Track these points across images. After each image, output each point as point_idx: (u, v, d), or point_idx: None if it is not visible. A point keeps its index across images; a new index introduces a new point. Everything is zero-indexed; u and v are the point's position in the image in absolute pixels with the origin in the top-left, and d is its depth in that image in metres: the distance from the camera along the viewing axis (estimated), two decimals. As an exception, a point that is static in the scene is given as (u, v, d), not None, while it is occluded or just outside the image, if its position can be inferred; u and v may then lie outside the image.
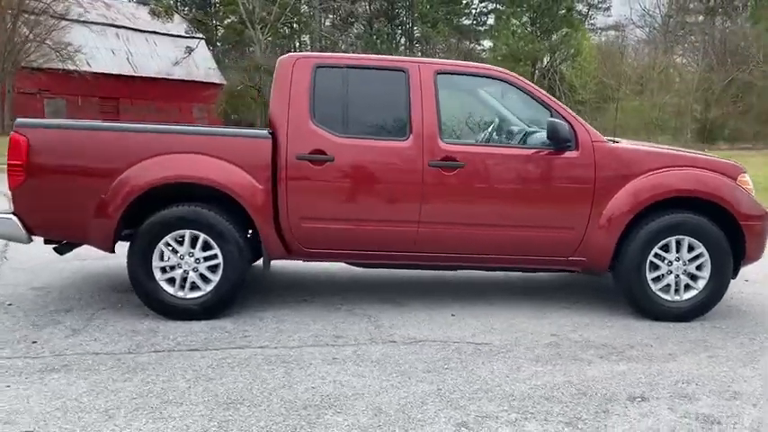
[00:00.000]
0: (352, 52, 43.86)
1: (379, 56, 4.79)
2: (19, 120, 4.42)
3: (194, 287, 4.43)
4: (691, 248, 4.60)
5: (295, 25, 44.20)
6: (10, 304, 4.72)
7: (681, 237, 4.58)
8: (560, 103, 4.61)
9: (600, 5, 51.60)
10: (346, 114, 4.50)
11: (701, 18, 51.80)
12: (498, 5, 47.57)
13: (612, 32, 53.13)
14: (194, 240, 4.38)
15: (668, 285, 4.64)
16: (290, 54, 4.71)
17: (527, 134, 4.72)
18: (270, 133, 4.45)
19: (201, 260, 4.40)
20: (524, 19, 39.23)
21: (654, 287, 4.62)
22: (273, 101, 4.52)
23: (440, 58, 42.06)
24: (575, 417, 3.14)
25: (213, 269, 4.43)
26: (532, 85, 4.66)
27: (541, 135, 4.60)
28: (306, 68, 4.51)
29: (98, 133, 4.46)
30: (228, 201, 4.40)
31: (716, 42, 41.04)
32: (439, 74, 4.57)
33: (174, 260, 4.40)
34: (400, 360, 3.81)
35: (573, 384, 3.52)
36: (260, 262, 4.78)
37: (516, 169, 4.53)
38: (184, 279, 4.41)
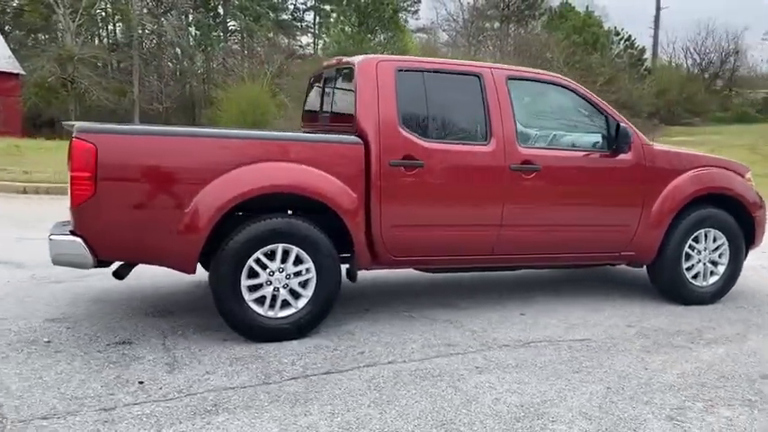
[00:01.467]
0: (180, 40, 41.83)
1: (453, 60, 4.76)
2: (81, 124, 3.77)
3: (284, 305, 4.11)
4: (714, 239, 5.18)
5: (108, 10, 40.88)
6: (48, 341, 4.01)
7: (708, 229, 5.13)
8: (612, 109, 4.93)
9: (409, 8, 54.02)
10: (429, 119, 4.43)
11: (496, 24, 56.55)
12: (317, 3, 47.91)
13: (422, 35, 56.04)
14: (285, 254, 4.06)
15: (698, 273, 5.17)
16: (367, 57, 4.50)
17: (581, 138, 4.98)
18: (360, 139, 4.24)
19: (292, 275, 4.09)
20: (353, 19, 39.90)
21: (688, 275, 5.13)
22: (361, 105, 4.29)
23: (263, 52, 41.41)
24: (746, 399, 3.45)
25: (303, 284, 4.13)
26: (588, 91, 4.93)
27: (590, 138, 4.89)
28: (389, 72, 4.35)
29: (176, 140, 3.95)
30: (317, 211, 4.14)
31: (510, 48, 45.00)
32: (510, 79, 4.66)
33: (263, 277, 4.04)
34: (537, 363, 3.88)
35: (706, 370, 3.84)
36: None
37: (583, 172, 4.78)
38: (274, 297, 4.07)
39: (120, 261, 4.09)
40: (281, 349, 3.98)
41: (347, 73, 4.60)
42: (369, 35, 41.06)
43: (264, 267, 4.03)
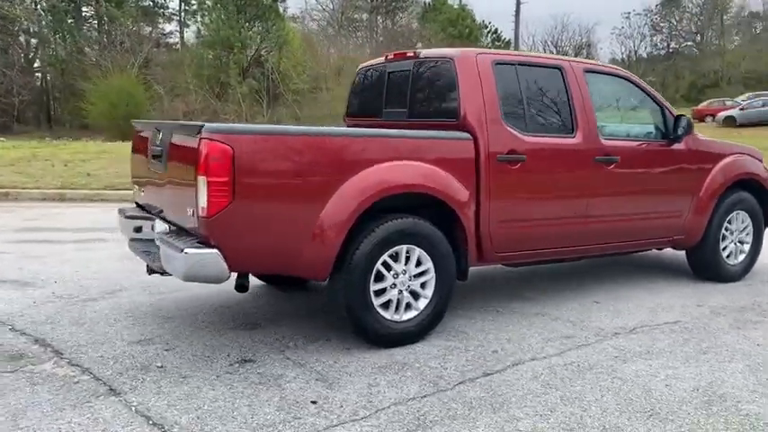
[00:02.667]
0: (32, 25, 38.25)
1: (535, 53, 4.76)
2: (211, 125, 3.40)
3: (407, 307, 3.97)
4: (742, 220, 5.61)
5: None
6: (161, 366, 3.61)
7: (738, 211, 5.55)
8: (665, 101, 5.18)
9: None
10: (525, 112, 4.44)
11: (365, 16, 57.20)
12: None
13: (293, 24, 55.40)
14: (407, 256, 3.92)
15: (731, 252, 5.59)
16: (462, 50, 4.41)
17: (644, 128, 5.19)
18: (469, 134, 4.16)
19: (414, 277, 3.96)
20: (230, 7, 38.61)
21: (723, 255, 5.53)
22: (466, 100, 4.19)
23: (129, 41, 39.04)
24: None
25: (423, 285, 4.02)
26: (645, 84, 5.14)
27: (651, 128, 5.13)
28: (487, 65, 4.30)
29: (311, 139, 3.67)
30: (430, 209, 4.02)
31: (379, 38, 45.68)
32: (586, 72, 4.77)
33: (389, 280, 3.88)
34: (661, 348, 4.01)
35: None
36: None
37: (650, 161, 5.01)
38: (398, 300, 3.93)
39: (250, 272, 3.75)
40: (415, 354, 3.85)
41: (436, 66, 4.49)
42: (246, 23, 40.01)
43: (389, 270, 3.87)
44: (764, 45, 56.70)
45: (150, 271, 4.08)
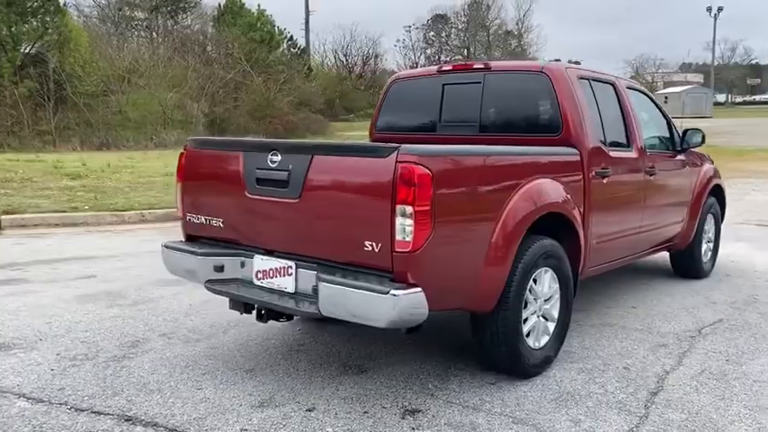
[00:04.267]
0: None
1: (591, 67, 4.78)
2: (408, 146, 2.93)
3: (543, 332, 3.81)
4: (713, 221, 6.24)
5: None
6: (310, 409, 3.04)
7: (710, 213, 6.16)
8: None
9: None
10: (604, 127, 4.46)
11: (140, 14, 53.97)
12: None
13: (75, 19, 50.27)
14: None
15: (704, 251, 6.17)
16: (551, 63, 4.31)
17: (662, 140, 5.49)
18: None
19: (545, 300, 3.81)
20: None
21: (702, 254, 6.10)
22: (569, 115, 4.10)
23: None
24: None
25: (551, 308, 3.87)
26: (653, 96, 5.48)
27: (665, 140, 5.47)
28: (575, 79, 4.26)
29: (490, 159, 3.40)
30: (553, 229, 3.90)
31: (161, 40, 43.25)
32: (628, 88, 4.95)
33: (532, 306, 3.68)
34: (757, 346, 4.30)
35: None
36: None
37: (672, 172, 5.35)
38: (536, 326, 3.75)
39: (443, 311, 3.26)
40: (567, 379, 3.70)
41: (522, 79, 4.34)
42: (18, 17, 35.33)
43: (531, 294, 3.67)
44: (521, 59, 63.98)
45: (265, 317, 3.45)
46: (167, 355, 3.99)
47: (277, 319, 3.59)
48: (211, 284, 3.61)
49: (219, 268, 3.61)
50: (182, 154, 3.93)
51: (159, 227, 8.67)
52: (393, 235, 2.90)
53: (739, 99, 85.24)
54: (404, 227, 2.88)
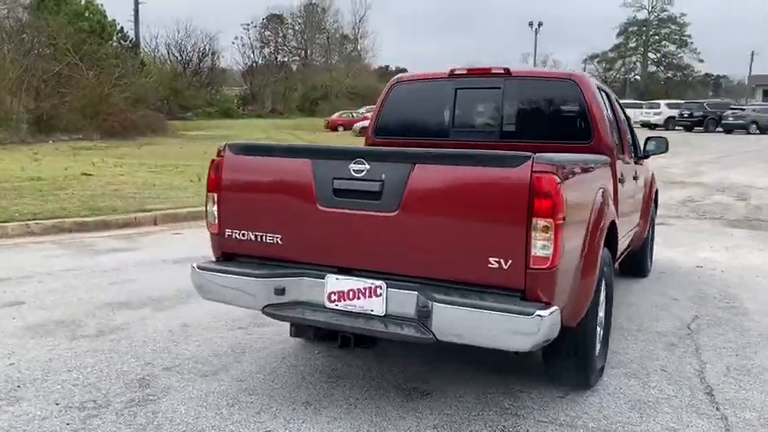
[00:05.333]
0: None
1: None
2: (543, 155, 2.75)
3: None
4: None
5: None
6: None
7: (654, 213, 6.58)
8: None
9: None
10: (615, 134, 4.54)
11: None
12: None
13: None
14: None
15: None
16: (574, 71, 4.35)
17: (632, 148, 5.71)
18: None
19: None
20: None
21: (647, 254, 6.50)
22: (599, 123, 4.13)
23: None
24: None
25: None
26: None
27: (631, 147, 5.72)
28: (596, 87, 4.33)
29: (586, 166, 3.39)
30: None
31: None
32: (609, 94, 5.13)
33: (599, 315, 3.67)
34: None
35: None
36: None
37: (642, 176, 5.61)
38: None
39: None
40: (616, 386, 3.71)
41: (548, 86, 4.32)
42: None
43: (593, 303, 3.65)
44: (358, 65, 65.13)
45: (351, 343, 3.10)
46: (196, 394, 3.45)
47: (362, 346, 3.23)
48: (273, 310, 3.17)
49: (280, 291, 3.18)
50: (215, 161, 3.42)
51: (55, 240, 7.60)
52: (528, 251, 2.71)
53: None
54: (542, 242, 2.70)
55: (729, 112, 38.19)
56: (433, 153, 3.05)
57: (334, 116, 41.74)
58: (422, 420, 3.20)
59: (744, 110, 39.28)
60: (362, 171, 3.01)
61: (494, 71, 4.45)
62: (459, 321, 2.77)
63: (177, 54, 55.44)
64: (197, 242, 6.27)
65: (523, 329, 2.68)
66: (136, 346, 4.17)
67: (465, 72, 4.51)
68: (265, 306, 3.18)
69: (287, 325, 3.55)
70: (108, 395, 3.41)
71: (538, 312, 2.66)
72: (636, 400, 3.53)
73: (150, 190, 10.90)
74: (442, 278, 2.93)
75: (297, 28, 70.13)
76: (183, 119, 45.95)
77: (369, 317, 3.04)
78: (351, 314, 3.07)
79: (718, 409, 3.45)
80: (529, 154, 2.76)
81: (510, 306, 2.71)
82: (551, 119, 4.37)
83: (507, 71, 4.41)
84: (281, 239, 3.24)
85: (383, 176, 2.97)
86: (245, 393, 3.47)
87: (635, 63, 75.55)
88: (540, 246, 2.71)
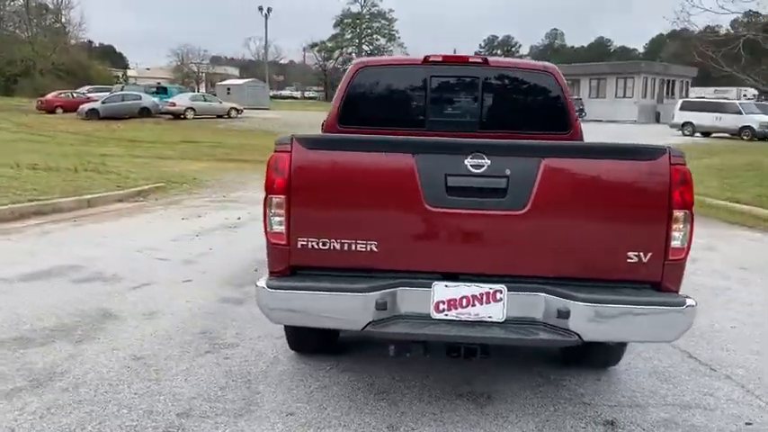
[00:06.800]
0: None
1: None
2: (674, 148, 2.76)
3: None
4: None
5: None
6: None
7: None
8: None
9: None
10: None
11: None
12: None
13: None
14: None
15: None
16: (548, 63, 4.37)
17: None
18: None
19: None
20: None
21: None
22: (572, 112, 4.29)
23: None
24: None
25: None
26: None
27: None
28: (561, 79, 4.51)
29: None
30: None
31: None
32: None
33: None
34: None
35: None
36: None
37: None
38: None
39: None
40: (654, 365, 3.93)
41: (528, 77, 4.34)
42: None
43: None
44: (65, 39, 58.05)
45: (463, 354, 2.84)
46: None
47: (474, 356, 2.93)
48: (377, 328, 2.75)
49: (382, 306, 2.77)
50: (275, 157, 2.82)
51: None
52: (668, 243, 2.75)
53: (271, 93, 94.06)
54: (681, 233, 2.76)
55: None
56: (564, 146, 2.92)
57: (50, 96, 36.59)
58: (515, 424, 3.07)
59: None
60: (483, 166, 2.76)
61: (471, 60, 4.36)
62: (607, 319, 2.70)
63: None
64: None
65: (675, 322, 2.72)
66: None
67: (440, 59, 4.34)
68: (368, 324, 2.74)
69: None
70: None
71: (688, 302, 2.72)
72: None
73: None
74: (573, 276, 2.82)
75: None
76: None
77: (487, 324, 2.81)
78: (465, 323, 2.81)
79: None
80: (665, 146, 2.79)
81: (662, 299, 2.73)
82: (531, 109, 4.42)
83: (485, 60, 4.36)
84: (375, 246, 2.82)
85: (508, 172, 2.76)
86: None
87: (351, 54, 79.65)
88: (678, 237, 2.76)
